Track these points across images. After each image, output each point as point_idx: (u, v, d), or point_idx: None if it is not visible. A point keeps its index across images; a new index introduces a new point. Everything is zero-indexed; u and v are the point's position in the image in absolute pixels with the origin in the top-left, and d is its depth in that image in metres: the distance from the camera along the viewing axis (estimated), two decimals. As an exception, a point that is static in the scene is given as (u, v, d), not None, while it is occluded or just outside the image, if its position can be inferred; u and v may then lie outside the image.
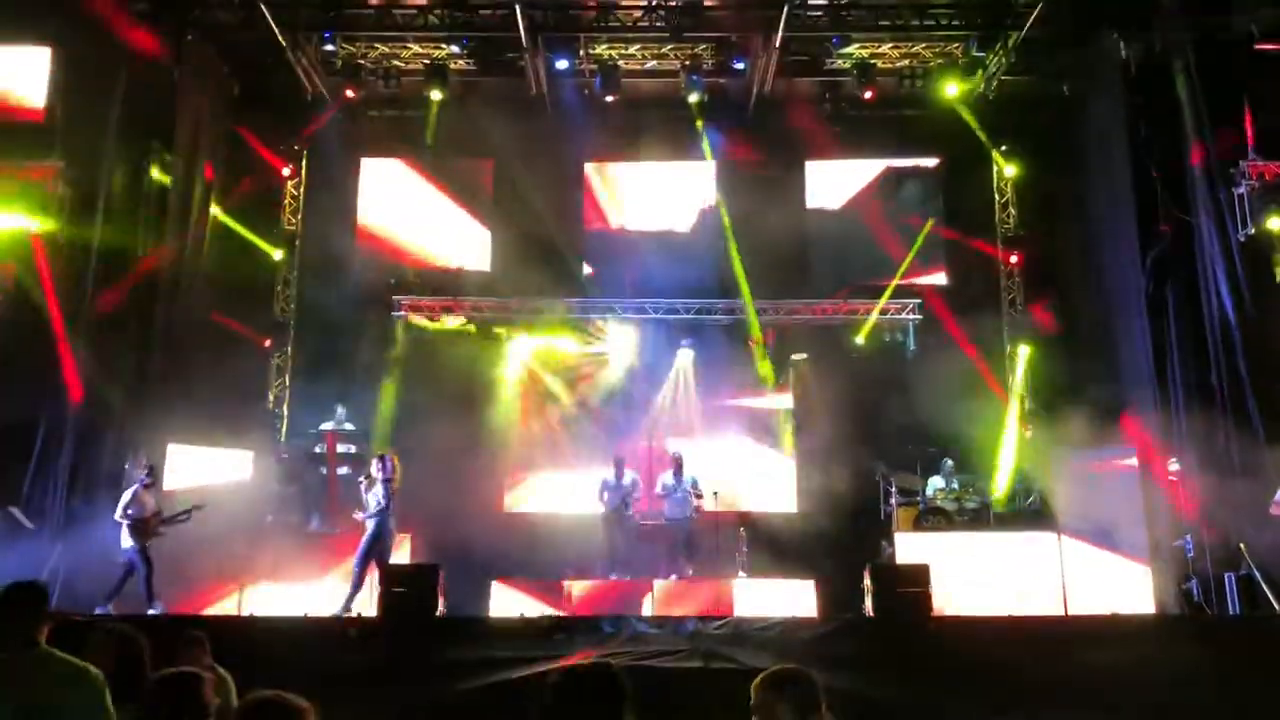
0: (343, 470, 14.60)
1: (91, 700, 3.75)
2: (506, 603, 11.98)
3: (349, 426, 14.96)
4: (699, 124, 16.07)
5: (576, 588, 12.47)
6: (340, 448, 14.75)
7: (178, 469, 13.09)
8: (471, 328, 16.08)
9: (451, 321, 16.08)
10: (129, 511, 11.06)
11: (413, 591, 10.02)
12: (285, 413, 16.16)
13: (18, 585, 4.12)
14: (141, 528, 11.05)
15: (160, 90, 13.66)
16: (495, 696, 8.63)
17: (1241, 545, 11.49)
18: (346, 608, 10.97)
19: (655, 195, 16.84)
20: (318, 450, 14.85)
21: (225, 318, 15.06)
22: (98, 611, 10.38)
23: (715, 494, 13.72)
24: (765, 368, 15.82)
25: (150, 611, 10.67)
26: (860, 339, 16.13)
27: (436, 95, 15.44)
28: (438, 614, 10.09)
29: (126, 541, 11.01)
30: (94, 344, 12.65)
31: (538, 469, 15.57)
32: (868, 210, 16.60)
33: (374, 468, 11.71)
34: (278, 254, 16.46)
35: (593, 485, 14.01)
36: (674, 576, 13.03)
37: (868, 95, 15.44)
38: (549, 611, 11.46)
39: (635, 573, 13.11)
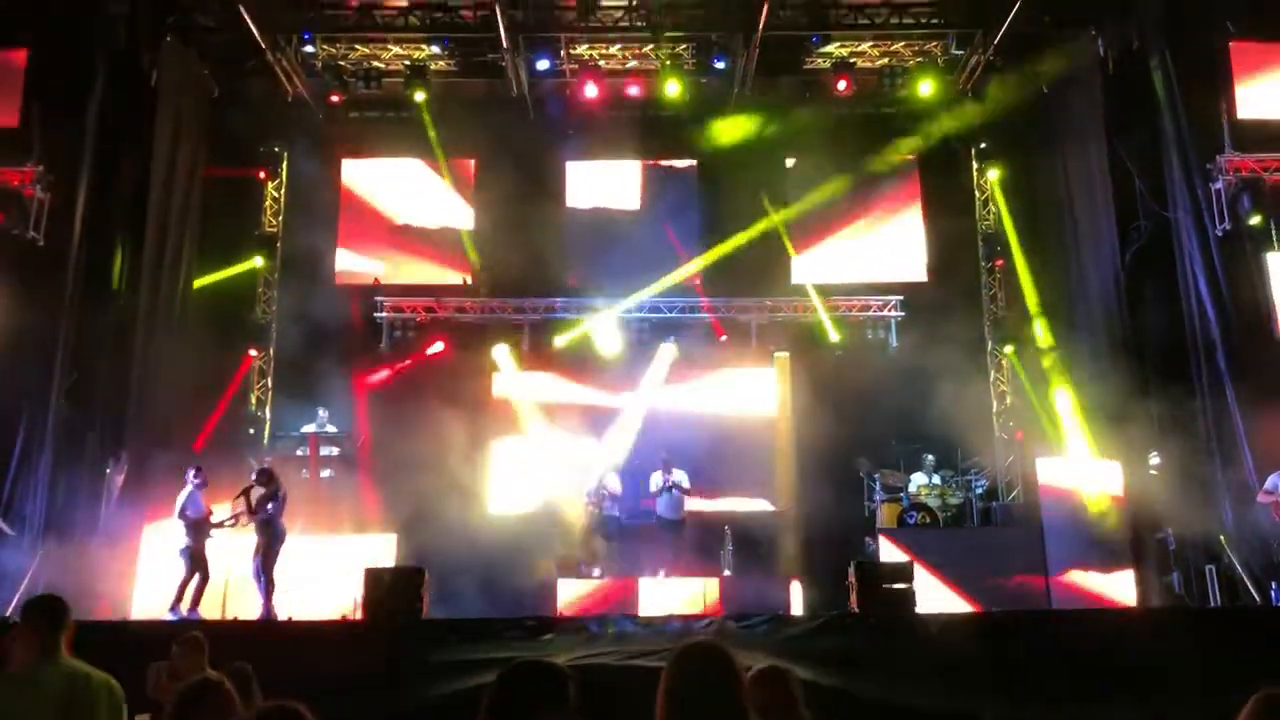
0: (325, 473, 14.54)
1: (118, 709, 4.04)
2: (493, 604, 11.94)
3: (331, 429, 14.87)
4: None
5: (564, 588, 12.45)
6: (323, 450, 14.66)
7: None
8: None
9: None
10: (186, 512, 10.97)
11: (398, 593, 10.00)
12: (268, 416, 16.07)
13: (45, 599, 4.31)
14: (199, 527, 10.98)
15: (138, 93, 13.57)
16: (481, 698, 8.57)
17: (1222, 538, 11.59)
18: (273, 610, 10.95)
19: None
20: (300, 453, 14.76)
21: (205, 321, 14.99)
22: (172, 618, 10.36)
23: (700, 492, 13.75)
24: None
25: (167, 615, 10.58)
26: (837, 338, 16.13)
27: (420, 97, 15.37)
28: (423, 616, 10.08)
29: (181, 541, 10.94)
30: (74, 347, 12.55)
31: (524, 470, 15.53)
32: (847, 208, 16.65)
33: (258, 476, 11.41)
34: (258, 259, 16.37)
35: (578, 485, 14.10)
36: (660, 575, 13.04)
37: (841, 86, 15.32)
38: (536, 612, 11.43)
39: (621, 572, 13.11)
